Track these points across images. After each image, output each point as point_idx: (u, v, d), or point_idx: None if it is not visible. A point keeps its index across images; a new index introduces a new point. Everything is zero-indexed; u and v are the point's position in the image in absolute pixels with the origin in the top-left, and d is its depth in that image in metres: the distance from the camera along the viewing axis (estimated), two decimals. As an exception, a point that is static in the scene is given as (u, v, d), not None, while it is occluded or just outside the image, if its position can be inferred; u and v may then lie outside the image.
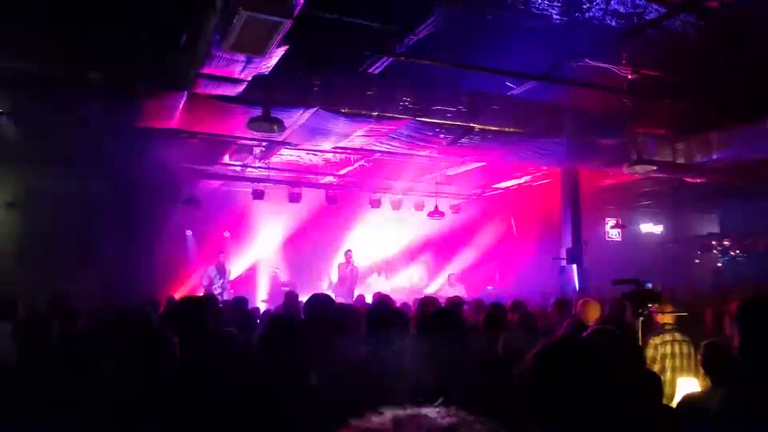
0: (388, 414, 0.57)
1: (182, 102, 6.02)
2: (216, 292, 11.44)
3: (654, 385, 2.72)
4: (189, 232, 12.97)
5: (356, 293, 11.40)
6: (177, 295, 10.31)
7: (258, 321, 5.54)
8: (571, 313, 5.86)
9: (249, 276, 13.29)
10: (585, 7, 5.78)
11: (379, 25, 5.99)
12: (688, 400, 2.93)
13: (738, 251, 13.18)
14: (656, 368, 4.53)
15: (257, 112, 6.14)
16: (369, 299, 9.11)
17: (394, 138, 7.43)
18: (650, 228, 15.32)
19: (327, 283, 13.38)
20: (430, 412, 0.56)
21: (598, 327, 2.54)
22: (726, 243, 13.39)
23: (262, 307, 10.55)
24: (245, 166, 11.23)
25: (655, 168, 8.37)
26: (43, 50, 5.27)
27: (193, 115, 6.47)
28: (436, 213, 13.36)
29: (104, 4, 5.03)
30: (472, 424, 0.55)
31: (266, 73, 5.35)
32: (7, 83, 5.90)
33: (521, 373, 1.51)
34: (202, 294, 10.14)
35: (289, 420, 2.22)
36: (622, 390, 1.56)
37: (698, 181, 10.47)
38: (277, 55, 4.94)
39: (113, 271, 9.91)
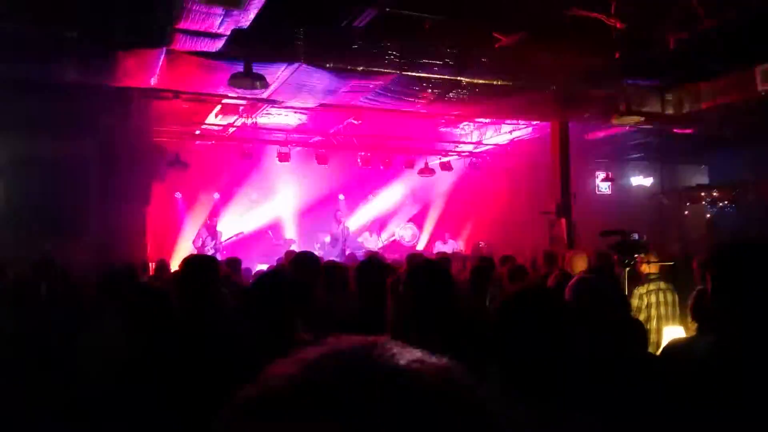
0: (328, 341, 0.55)
1: (161, 59, 5.86)
2: (208, 255, 11.46)
3: (637, 333, 2.75)
4: (178, 195, 12.89)
5: (348, 252, 11.45)
6: (170, 259, 10.33)
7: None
8: (560, 265, 5.92)
9: (242, 238, 13.28)
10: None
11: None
12: (673, 347, 2.97)
13: (726, 202, 13.27)
14: (641, 317, 4.61)
15: (239, 68, 6.00)
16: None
17: (381, 93, 7.30)
18: (640, 181, 15.36)
19: (320, 244, 13.41)
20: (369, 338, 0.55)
21: (579, 277, 2.54)
22: (715, 194, 13.46)
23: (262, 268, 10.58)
24: (232, 126, 11.08)
25: (643, 119, 8.33)
26: (17, 10, 5.10)
27: (174, 73, 6.31)
28: (426, 170, 13.31)
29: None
30: (399, 344, 0.54)
31: (246, 26, 5.19)
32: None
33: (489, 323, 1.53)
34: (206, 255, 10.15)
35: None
36: (588, 335, 1.58)
37: (687, 132, 10.44)
38: (255, 7, 4.78)
39: (103, 235, 9.86)
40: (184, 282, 2.89)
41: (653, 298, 4.74)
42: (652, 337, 4.40)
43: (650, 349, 3.28)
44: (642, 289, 4.76)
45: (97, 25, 5.36)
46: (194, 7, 4.60)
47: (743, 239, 1.94)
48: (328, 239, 13.27)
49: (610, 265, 5.13)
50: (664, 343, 3.98)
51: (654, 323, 4.67)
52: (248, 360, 2.19)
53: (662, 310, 4.77)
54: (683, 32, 7.27)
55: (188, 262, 3.03)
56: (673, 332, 4.33)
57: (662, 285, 4.78)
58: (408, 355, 0.52)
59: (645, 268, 4.99)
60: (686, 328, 4.12)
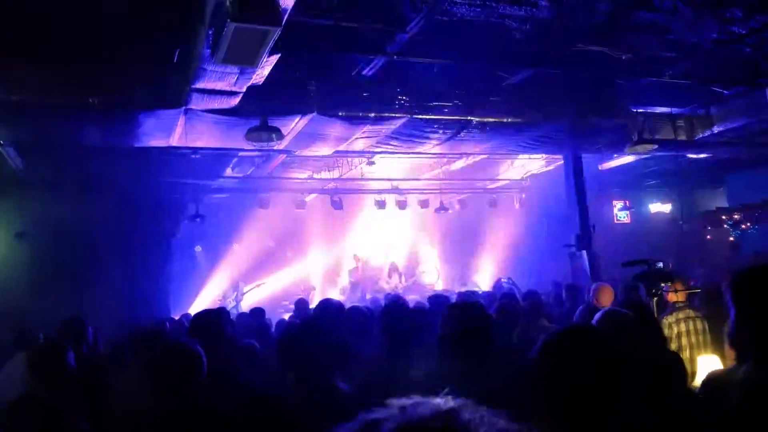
0: (395, 403, 0.57)
1: (180, 119, 6.05)
2: (230, 306, 11.49)
3: (674, 366, 2.68)
4: (198, 248, 13.04)
5: (368, 296, 11.41)
6: (191, 311, 10.38)
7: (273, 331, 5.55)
8: (585, 299, 5.84)
9: (262, 287, 13.32)
10: (575, -9, 5.76)
11: (370, 26, 6.00)
12: (713, 380, 2.88)
13: (749, 224, 13.07)
14: (673, 347, 4.50)
15: (255, 122, 6.16)
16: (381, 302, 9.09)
17: (393, 137, 7.42)
18: (659, 207, 15.23)
19: (340, 288, 13.40)
20: (436, 399, 0.56)
21: (608, 310, 2.52)
22: (736, 216, 13.27)
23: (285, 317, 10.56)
24: (248, 177, 11.27)
25: (656, 147, 8.33)
26: (43, 82, 5.34)
27: (192, 130, 6.49)
28: (441, 208, 13.35)
29: (98, 30, 5.07)
30: (473, 407, 0.55)
31: (260, 83, 5.36)
32: (9, 115, 5.96)
33: (528, 365, 1.50)
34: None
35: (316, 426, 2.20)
36: (632, 374, 1.55)
37: (702, 156, 10.40)
38: (269, 64, 4.95)
39: (126, 292, 9.97)
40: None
41: (683, 327, 4.64)
42: (686, 367, 4.29)
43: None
44: (671, 319, 4.66)
45: (119, 90, 5.58)
46: (210, 68, 4.77)
47: (762, 263, 1.91)
48: (348, 284, 13.26)
49: (638, 296, 5.05)
50: (699, 373, 3.87)
51: (687, 353, 4.55)
52: (294, 420, 2.18)
53: (693, 338, 4.65)
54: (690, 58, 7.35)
55: (197, 317, 3.01)
56: (708, 362, 4.21)
57: (690, 313, 4.69)
58: (490, 423, 0.53)
59: (671, 297, 4.91)
60: (721, 357, 4.01)
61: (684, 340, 4.59)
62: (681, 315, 4.65)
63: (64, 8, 4.70)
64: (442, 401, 0.58)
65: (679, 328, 4.61)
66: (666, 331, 4.59)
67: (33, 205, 10.17)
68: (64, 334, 4.55)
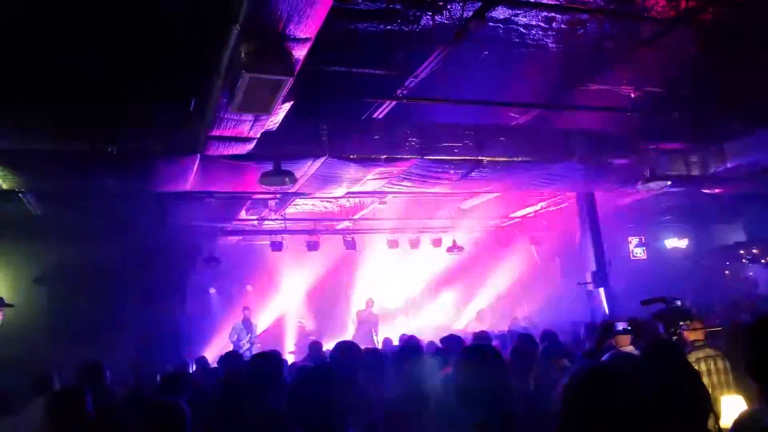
0: None
1: (196, 165, 6.17)
2: (244, 348, 11.42)
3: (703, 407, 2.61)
4: (212, 290, 13.08)
5: (380, 336, 11.32)
6: (207, 354, 10.34)
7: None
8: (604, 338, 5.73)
9: (275, 328, 13.27)
10: (579, 32, 5.89)
11: (380, 71, 6.16)
12: (742, 422, 2.78)
13: (767, 258, 12.88)
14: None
15: (268, 166, 6.27)
16: (395, 342, 9.02)
17: (405, 178, 7.49)
18: (675, 243, 15.06)
19: (353, 330, 13.31)
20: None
21: (620, 353, 2.48)
22: (754, 251, 13.09)
23: (290, 359, 10.48)
24: (262, 219, 11.38)
25: (669, 183, 8.30)
26: (61, 130, 5.50)
27: (207, 175, 6.62)
28: (454, 248, 13.31)
29: (114, 77, 5.25)
30: None
31: (274, 129, 5.48)
32: (28, 163, 6.12)
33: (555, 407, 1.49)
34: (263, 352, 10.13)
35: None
36: (655, 412, 1.53)
37: (717, 191, 10.33)
38: (282, 110, 5.07)
39: (141, 336, 9.98)
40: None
41: (703, 367, 4.49)
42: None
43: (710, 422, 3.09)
44: (690, 358, 4.53)
45: (136, 138, 5.73)
46: (226, 116, 4.90)
47: None
48: (354, 325, 13.17)
49: (657, 335, 4.96)
50: (723, 413, 3.76)
51: (716, 393, 4.42)
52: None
53: (714, 378, 4.52)
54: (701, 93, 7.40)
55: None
56: (732, 402, 4.10)
57: (710, 352, 4.55)
58: None
59: (690, 335, 4.80)
60: (745, 396, 3.90)
61: (706, 380, 4.46)
62: (701, 354, 4.52)
63: (82, 56, 4.86)
64: None
65: (699, 368, 4.48)
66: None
67: (50, 249, 10.33)
68: (83, 378, 4.57)
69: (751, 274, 13.44)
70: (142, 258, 10.55)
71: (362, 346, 4.36)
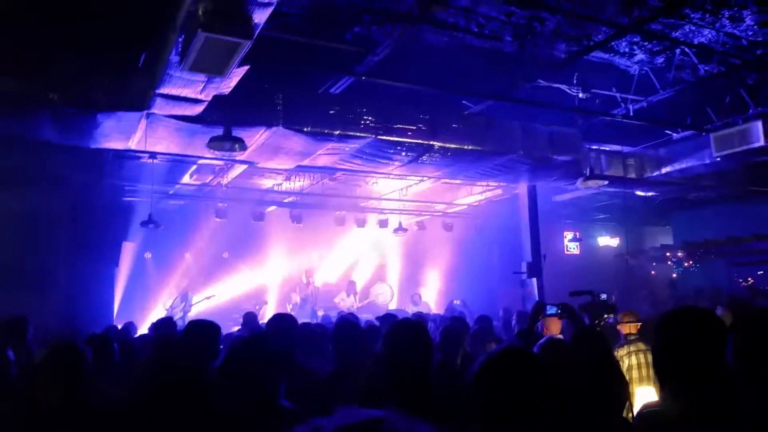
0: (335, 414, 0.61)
1: (141, 122, 5.96)
2: (177, 317, 11.20)
3: (615, 395, 2.77)
4: (148, 255, 12.70)
5: (321, 313, 11.34)
6: (137, 320, 10.08)
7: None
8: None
9: (213, 299, 13.04)
10: (537, 30, 6.02)
11: (341, 46, 6.10)
12: (646, 410, 2.99)
13: (691, 261, 13.70)
14: (623, 381, 4.59)
15: (218, 131, 6.12)
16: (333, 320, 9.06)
17: (356, 156, 7.49)
18: (607, 241, 15.77)
19: (291, 305, 13.25)
20: (374, 410, 0.61)
21: (550, 338, 2.61)
22: (679, 254, 13.89)
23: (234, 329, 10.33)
24: (206, 185, 11.12)
25: (606, 182, 8.69)
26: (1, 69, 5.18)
27: (153, 135, 6.39)
28: (400, 229, 13.46)
29: (65, 25, 4.98)
30: (405, 418, 0.60)
31: (227, 92, 5.35)
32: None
33: (468, 384, 1.55)
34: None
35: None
36: (569, 399, 1.62)
37: (650, 194, 10.88)
38: (237, 75, 4.96)
39: (71, 296, 9.61)
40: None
41: (633, 360, 4.64)
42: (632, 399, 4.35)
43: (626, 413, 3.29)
44: (622, 351, 4.67)
45: (79, 87, 5.47)
46: (177, 74, 4.74)
47: (685, 307, 2.07)
48: (298, 299, 13.13)
49: (582, 325, 5.20)
50: (636, 404, 3.99)
51: (634, 385, 4.61)
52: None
53: (644, 371, 4.62)
54: (642, 100, 7.75)
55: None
56: (644, 393, 4.34)
57: (642, 346, 4.69)
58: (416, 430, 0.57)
59: (624, 329, 4.99)
60: (657, 389, 4.14)
61: (634, 373, 4.62)
62: (632, 348, 4.68)
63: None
64: (377, 411, 0.62)
65: (630, 361, 4.64)
66: (617, 364, 4.69)
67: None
68: (6, 334, 4.38)
69: (674, 275, 14.28)
70: (77, 214, 10.11)
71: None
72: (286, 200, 12.50)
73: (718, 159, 8.13)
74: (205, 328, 3.57)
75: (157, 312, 11.64)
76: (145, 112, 5.67)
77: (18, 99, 5.48)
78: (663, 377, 1.93)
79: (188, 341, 3.54)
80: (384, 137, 6.89)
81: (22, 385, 3.46)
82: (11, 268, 9.27)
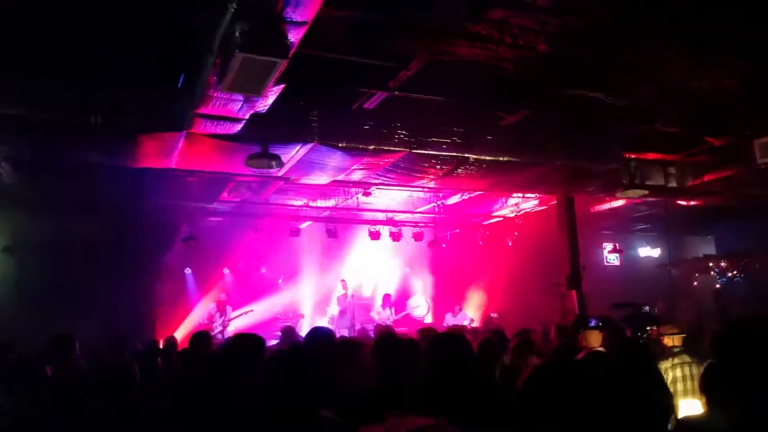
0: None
1: (181, 142, 6.12)
2: (215, 331, 11.38)
3: (660, 409, 2.70)
4: (188, 270, 12.97)
5: (357, 327, 11.36)
6: (177, 335, 10.27)
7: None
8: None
9: (251, 313, 13.21)
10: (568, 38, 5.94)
11: (374, 61, 6.15)
12: (685, 424, 2.88)
13: (735, 272, 13.23)
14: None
15: (255, 148, 6.25)
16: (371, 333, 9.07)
17: (391, 170, 7.53)
18: (648, 252, 15.37)
19: (329, 317, 13.32)
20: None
21: (594, 352, 2.56)
22: (723, 264, 13.43)
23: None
24: (244, 201, 11.31)
25: (647, 192, 8.47)
26: (44, 97, 5.39)
27: (192, 153, 6.57)
28: (435, 242, 13.41)
29: (103, 49, 5.17)
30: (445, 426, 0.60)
31: (263, 111, 5.46)
32: (7, 129, 5.99)
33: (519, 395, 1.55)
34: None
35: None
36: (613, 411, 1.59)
37: (692, 203, 10.57)
38: (274, 93, 5.06)
39: (112, 313, 9.87)
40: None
41: (678, 373, 4.53)
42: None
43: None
44: (666, 364, 4.56)
45: (121, 110, 5.65)
46: (216, 94, 4.87)
47: (750, 317, 1.99)
48: (336, 312, 13.18)
49: (623, 338, 5.07)
50: (680, 416, 3.85)
51: (679, 398, 4.48)
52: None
53: (689, 384, 4.51)
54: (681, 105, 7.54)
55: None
56: (690, 405, 4.21)
57: (687, 358, 4.60)
58: None
59: (668, 341, 4.86)
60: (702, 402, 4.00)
61: (679, 386, 4.50)
62: (677, 360, 4.58)
63: (73, 25, 4.77)
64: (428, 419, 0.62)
65: (675, 374, 4.52)
66: (661, 377, 4.56)
67: (22, 219, 10.14)
68: (52, 348, 4.52)
69: (717, 286, 13.81)
70: (116, 234, 10.42)
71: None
72: (321, 215, 12.62)
73: (763, 167, 7.85)
74: (249, 341, 3.63)
75: (196, 327, 11.85)
76: (185, 132, 5.83)
77: (61, 127, 5.68)
78: (714, 389, 1.86)
79: (233, 354, 3.60)
80: (418, 151, 6.90)
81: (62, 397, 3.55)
82: (53, 288, 9.59)
